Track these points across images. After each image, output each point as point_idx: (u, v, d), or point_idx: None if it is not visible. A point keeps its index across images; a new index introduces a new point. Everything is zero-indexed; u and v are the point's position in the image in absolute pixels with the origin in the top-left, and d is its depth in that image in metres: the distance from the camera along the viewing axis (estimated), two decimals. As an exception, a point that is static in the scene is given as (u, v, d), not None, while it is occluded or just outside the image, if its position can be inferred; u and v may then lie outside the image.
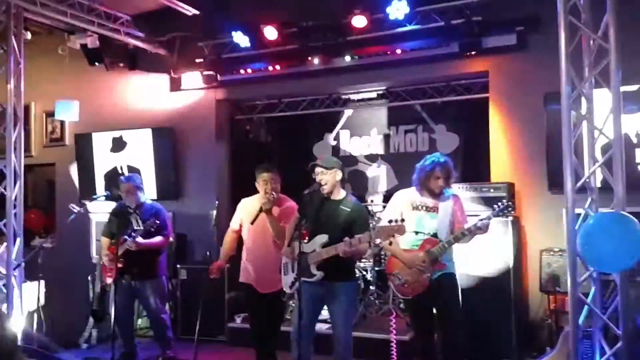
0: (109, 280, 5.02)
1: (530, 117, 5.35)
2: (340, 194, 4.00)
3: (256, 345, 4.61)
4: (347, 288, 3.93)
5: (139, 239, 4.80)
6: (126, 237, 4.76)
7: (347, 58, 5.82)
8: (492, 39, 5.40)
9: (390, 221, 3.62)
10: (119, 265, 4.71)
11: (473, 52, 5.41)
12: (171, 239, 6.31)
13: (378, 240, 3.82)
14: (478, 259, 4.89)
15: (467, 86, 6.04)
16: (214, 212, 5.25)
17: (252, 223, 4.36)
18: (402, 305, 5.72)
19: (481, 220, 3.79)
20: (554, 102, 4.52)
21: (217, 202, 5.04)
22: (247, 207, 4.52)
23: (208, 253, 6.20)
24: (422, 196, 4.06)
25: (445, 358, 4.03)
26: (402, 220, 3.64)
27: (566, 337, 3.46)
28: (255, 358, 4.61)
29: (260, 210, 4.24)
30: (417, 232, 4.00)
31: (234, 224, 4.63)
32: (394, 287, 4.12)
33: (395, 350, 4.36)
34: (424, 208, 4.03)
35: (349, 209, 3.89)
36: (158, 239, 5.03)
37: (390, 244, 3.88)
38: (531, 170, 5.35)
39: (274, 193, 4.29)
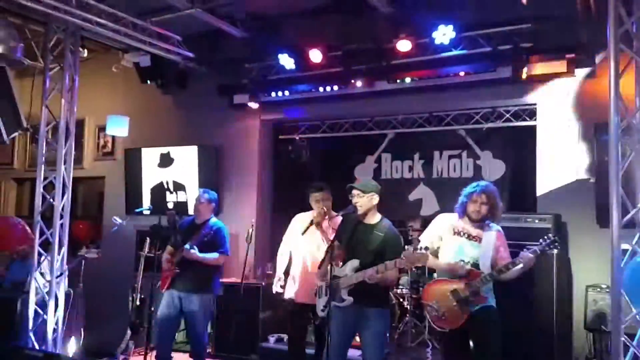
0: (162, 288, 5.06)
1: (580, 148, 5.15)
2: (375, 218, 3.95)
3: None
4: (379, 315, 3.84)
5: (194, 251, 4.85)
6: (186, 246, 4.81)
7: (391, 82, 5.79)
8: (540, 66, 5.26)
9: (415, 249, 3.54)
10: (176, 272, 4.76)
11: (520, 79, 5.28)
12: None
13: (403, 267, 3.73)
14: (521, 294, 4.70)
15: (514, 113, 5.89)
16: (250, 230, 5.27)
17: (302, 234, 4.61)
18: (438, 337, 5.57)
19: (526, 254, 3.64)
20: (605, 132, 4.36)
21: (253, 220, 5.04)
22: (299, 221, 4.77)
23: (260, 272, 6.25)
24: (465, 223, 3.95)
25: None
26: (427, 248, 3.55)
27: (609, 381, 3.26)
28: None
29: (312, 223, 4.53)
30: (460, 261, 3.86)
31: (285, 239, 4.92)
32: (429, 318, 3.99)
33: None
34: (466, 235, 3.91)
35: (382, 234, 3.83)
36: (214, 255, 5.04)
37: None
38: (580, 203, 5.13)
39: (324, 208, 4.54)
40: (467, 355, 3.85)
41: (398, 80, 5.85)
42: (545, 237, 3.72)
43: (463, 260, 3.83)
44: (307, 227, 4.56)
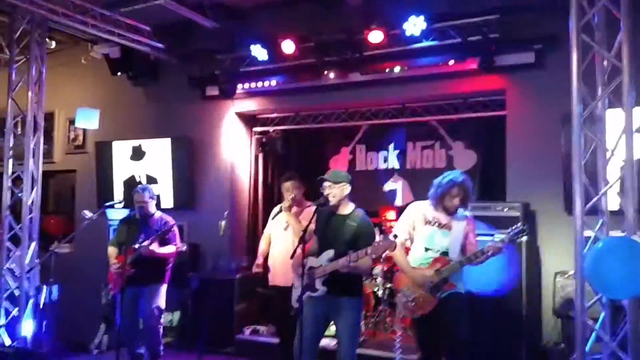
0: (113, 290, 5.08)
1: (548, 137, 5.24)
2: (348, 208, 3.98)
3: (282, 353, 4.78)
4: (352, 304, 3.87)
5: (154, 246, 4.86)
6: (136, 246, 4.80)
7: (362, 73, 5.81)
8: (509, 57, 5.32)
9: (386, 237, 3.58)
10: (131, 272, 4.74)
11: (490, 69, 5.35)
12: (184, 248, 6.37)
13: (374, 256, 3.77)
14: (489, 280, 4.78)
15: (484, 103, 5.96)
16: (223, 222, 5.26)
17: (272, 218, 4.87)
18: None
19: (494, 243, 3.70)
20: (571, 122, 4.45)
21: (226, 212, 5.06)
22: (275, 211, 4.91)
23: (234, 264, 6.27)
24: (436, 212, 4.01)
25: None
26: (395, 236, 3.61)
27: (573, 364, 3.35)
28: None
29: (280, 209, 4.73)
30: (427, 249, 3.95)
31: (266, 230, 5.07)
32: (400, 305, 4.04)
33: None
34: (437, 224, 3.98)
35: (355, 224, 3.86)
36: (170, 248, 5.08)
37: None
38: (548, 191, 5.21)
39: (293, 196, 4.68)
40: (438, 340, 3.93)
41: (371, 72, 5.86)
42: (514, 225, 3.79)
43: (432, 250, 3.91)
44: (277, 213, 4.80)
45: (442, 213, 3.99)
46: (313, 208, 4.16)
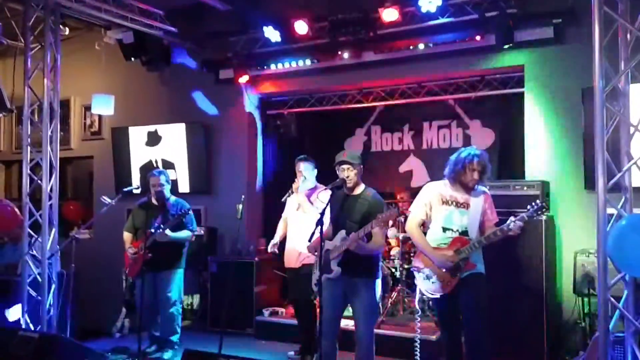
0: (130, 274, 5.15)
1: (568, 113, 5.15)
2: (359, 188, 4.01)
3: (300, 335, 4.93)
4: (369, 285, 3.89)
5: (168, 231, 4.90)
6: (152, 230, 4.83)
7: (377, 53, 5.74)
8: (527, 32, 5.22)
9: (388, 208, 3.60)
10: (147, 256, 4.78)
11: (508, 46, 5.25)
12: (202, 231, 6.42)
13: (401, 236, 3.81)
14: (509, 259, 4.75)
15: (502, 80, 5.86)
16: (240, 206, 5.28)
17: (283, 199, 4.94)
18: (430, 304, 5.64)
19: (514, 221, 3.65)
20: (592, 97, 4.35)
21: (243, 196, 5.08)
22: (287, 195, 4.97)
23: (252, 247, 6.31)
24: (454, 190, 3.95)
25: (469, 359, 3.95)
26: (394, 205, 3.65)
27: (596, 341, 3.31)
28: (300, 351, 4.93)
29: (291, 191, 4.79)
30: (445, 229, 3.91)
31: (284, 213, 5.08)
32: (420, 285, 4.03)
33: (418, 349, 4.27)
34: (454, 203, 3.92)
35: (367, 202, 3.90)
36: (185, 233, 5.12)
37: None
38: (568, 168, 5.16)
39: (304, 177, 4.75)
40: (458, 319, 3.93)
41: (385, 51, 5.77)
42: (533, 203, 3.73)
43: (451, 229, 3.87)
44: (289, 195, 4.88)
45: (460, 191, 3.94)
46: (327, 191, 4.18)
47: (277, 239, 5.04)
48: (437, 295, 3.90)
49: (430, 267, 3.91)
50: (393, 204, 3.63)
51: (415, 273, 4.06)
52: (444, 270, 3.82)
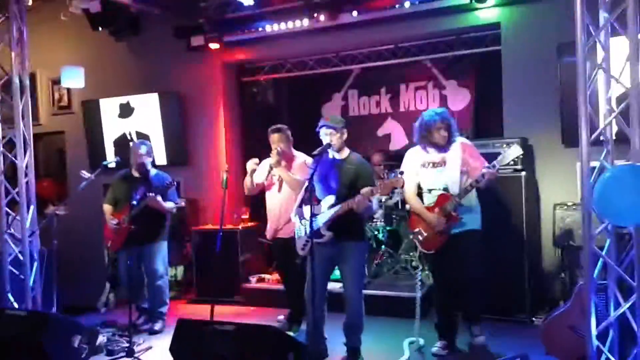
0: (112, 248, 5.12)
1: (544, 70, 5.20)
2: (344, 152, 4.02)
3: (288, 300, 4.92)
4: (357, 248, 3.96)
5: (159, 197, 4.86)
6: (134, 202, 4.77)
7: (354, 13, 5.66)
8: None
9: (392, 173, 3.64)
10: (130, 228, 4.74)
11: (483, 2, 5.24)
12: (183, 203, 6.36)
13: (383, 198, 3.88)
14: (490, 215, 4.85)
15: (478, 39, 5.87)
16: (224, 175, 5.23)
17: (265, 179, 4.73)
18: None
19: (488, 167, 3.76)
20: (568, 53, 4.42)
21: (226, 165, 5.00)
22: (262, 167, 4.77)
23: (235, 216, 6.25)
24: (428, 153, 4.08)
25: (463, 314, 4.17)
26: (402, 173, 3.67)
27: (580, 291, 3.43)
28: (289, 316, 4.91)
29: (270, 168, 4.61)
30: (430, 190, 4.05)
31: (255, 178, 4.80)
32: (417, 244, 4.20)
33: (419, 305, 4.41)
34: (431, 165, 4.06)
35: (354, 167, 3.92)
36: (170, 204, 5.09)
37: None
38: (545, 124, 5.23)
39: (278, 149, 4.52)
40: (450, 275, 4.08)
41: (360, 12, 5.70)
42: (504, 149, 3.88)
43: (435, 189, 4.01)
44: (268, 173, 4.71)
45: (434, 152, 4.05)
46: (306, 159, 4.18)
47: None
48: (432, 251, 4.07)
49: (422, 226, 4.06)
50: (400, 172, 3.66)
51: (412, 233, 4.19)
52: (435, 228, 3.95)
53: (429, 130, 4.00)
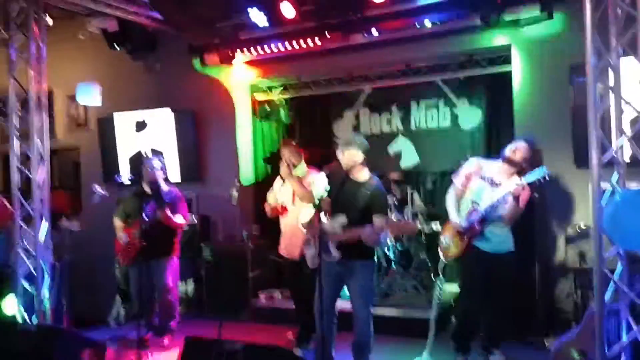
0: (123, 262, 5.14)
1: (556, 91, 5.20)
2: (363, 175, 3.98)
3: (298, 318, 4.89)
4: (365, 267, 3.95)
5: (168, 211, 4.89)
6: (145, 216, 4.80)
7: (366, 35, 5.72)
8: (515, 10, 5.22)
9: (410, 221, 3.69)
10: (141, 244, 4.78)
11: (495, 24, 5.27)
12: (195, 219, 6.41)
13: (392, 233, 3.94)
14: (502, 235, 4.82)
15: (489, 59, 5.88)
16: (235, 192, 5.27)
17: (279, 191, 4.79)
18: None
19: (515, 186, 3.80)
20: (580, 74, 4.41)
21: (237, 182, 4.99)
22: (277, 181, 4.89)
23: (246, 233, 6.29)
24: (498, 169, 4.13)
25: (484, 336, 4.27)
26: (414, 219, 3.73)
27: (592, 314, 3.40)
28: (298, 333, 4.87)
29: (283, 180, 4.67)
30: (472, 202, 4.12)
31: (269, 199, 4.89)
32: (440, 252, 4.30)
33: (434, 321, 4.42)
34: (490, 181, 4.10)
35: (369, 192, 3.88)
36: (181, 219, 5.11)
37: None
38: (556, 145, 5.21)
39: (287, 162, 4.56)
40: (484, 292, 4.15)
41: (373, 32, 5.75)
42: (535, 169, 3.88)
43: (477, 203, 4.08)
44: (281, 185, 4.79)
45: (501, 171, 4.09)
46: (318, 174, 4.22)
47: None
48: (449, 260, 4.22)
49: (447, 233, 4.18)
50: (388, 190, 3.69)
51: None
52: (456, 231, 4.07)
53: (507, 148, 4.14)
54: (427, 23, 5.53)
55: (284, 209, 4.79)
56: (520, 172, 4.02)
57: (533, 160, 4.11)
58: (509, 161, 4.06)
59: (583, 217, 4.82)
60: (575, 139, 4.93)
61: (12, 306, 5.06)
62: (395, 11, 5.55)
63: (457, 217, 4.14)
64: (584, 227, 4.77)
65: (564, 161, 5.10)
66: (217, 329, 4.19)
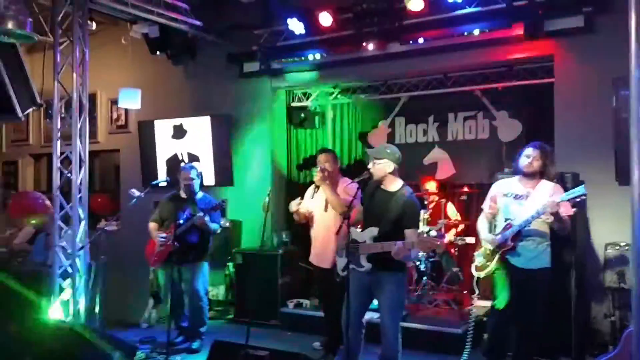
0: (154, 265, 5.21)
1: (598, 104, 5.04)
2: (394, 185, 3.92)
3: (326, 327, 4.84)
4: (395, 279, 3.87)
5: (207, 217, 4.95)
6: (180, 221, 4.87)
7: (402, 43, 5.68)
8: (557, 21, 5.12)
9: (436, 236, 3.67)
10: (174, 247, 4.83)
11: (536, 35, 5.15)
12: (227, 224, 6.46)
13: (419, 250, 3.87)
14: (535, 251, 4.69)
15: (530, 70, 5.75)
16: (267, 199, 5.29)
17: (312, 198, 4.78)
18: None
19: (551, 202, 3.68)
20: (624, 87, 4.26)
21: (269, 189, 5.00)
22: (311, 188, 4.88)
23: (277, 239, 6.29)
24: (519, 182, 4.06)
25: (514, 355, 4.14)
26: (443, 236, 3.71)
27: (629, 337, 3.25)
28: (325, 343, 4.86)
29: (317, 187, 4.68)
30: (506, 219, 4.04)
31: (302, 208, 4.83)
32: (473, 269, 4.25)
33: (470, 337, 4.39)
34: (513, 195, 4.03)
35: (401, 203, 3.81)
36: (215, 225, 5.16)
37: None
38: (598, 160, 5.04)
39: (324, 167, 4.59)
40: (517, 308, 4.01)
41: (411, 41, 5.71)
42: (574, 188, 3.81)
43: (509, 219, 3.98)
44: (314, 192, 4.79)
45: (521, 183, 4.03)
46: (352, 184, 4.18)
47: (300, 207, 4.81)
48: (480, 276, 4.13)
49: (480, 248, 4.16)
50: (423, 204, 3.66)
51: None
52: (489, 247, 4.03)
53: (520, 155, 4.04)
54: (466, 33, 5.45)
55: (312, 217, 4.77)
56: (543, 173, 3.97)
57: (554, 160, 4.07)
58: (531, 175, 3.98)
59: (624, 235, 4.63)
60: (617, 154, 4.76)
61: (56, 311, 5.16)
62: (434, 20, 5.49)
63: (487, 235, 4.10)
64: (624, 246, 4.58)
65: (606, 177, 4.93)
66: (245, 334, 4.22)
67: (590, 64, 5.10)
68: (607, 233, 4.88)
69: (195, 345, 5.17)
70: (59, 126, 5.24)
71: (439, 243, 3.55)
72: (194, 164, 5.75)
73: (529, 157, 3.97)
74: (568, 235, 4.11)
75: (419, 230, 3.81)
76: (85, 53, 5.30)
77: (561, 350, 4.64)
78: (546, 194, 3.89)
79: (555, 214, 3.70)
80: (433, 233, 4.71)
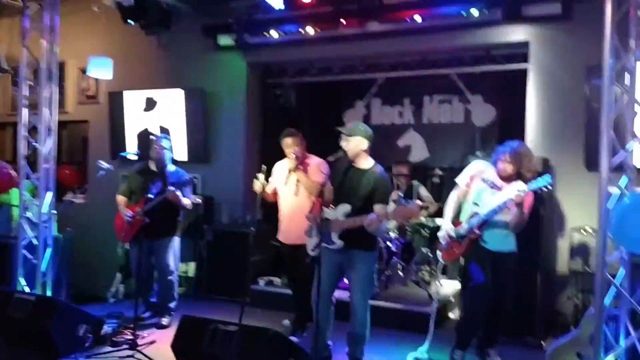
0: (125, 240, 5.13)
1: (571, 91, 5.12)
2: (366, 163, 3.93)
3: (294, 304, 4.85)
4: (366, 257, 3.91)
5: (179, 192, 4.87)
6: (150, 195, 4.78)
7: (381, 23, 5.64)
8: (535, 7, 5.15)
9: (407, 202, 3.62)
10: (144, 221, 4.75)
11: (514, 20, 5.18)
12: (200, 201, 6.39)
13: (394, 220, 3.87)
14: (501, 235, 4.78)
15: (506, 56, 5.79)
16: (262, 178, 5.17)
17: (285, 184, 4.66)
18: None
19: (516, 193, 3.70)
20: (597, 75, 4.32)
21: (264, 167, 4.81)
22: (279, 171, 4.74)
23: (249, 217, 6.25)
24: (494, 174, 4.07)
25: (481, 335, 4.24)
26: (422, 202, 3.68)
27: (590, 318, 3.35)
28: (294, 320, 4.87)
29: (289, 171, 4.58)
30: (474, 203, 4.06)
31: (268, 189, 4.75)
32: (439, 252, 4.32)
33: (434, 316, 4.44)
34: (491, 184, 4.04)
35: (372, 180, 3.83)
36: (187, 200, 5.08)
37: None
38: (568, 146, 5.15)
39: (293, 153, 4.52)
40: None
41: (390, 21, 5.68)
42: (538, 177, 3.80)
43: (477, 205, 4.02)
44: (287, 177, 4.65)
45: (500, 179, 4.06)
46: (322, 163, 4.19)
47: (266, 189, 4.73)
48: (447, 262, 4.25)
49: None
50: (393, 184, 3.65)
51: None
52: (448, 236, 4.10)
53: (498, 157, 4.01)
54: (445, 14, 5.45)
55: (276, 194, 4.75)
56: (520, 175, 3.96)
57: (530, 165, 3.98)
58: (506, 179, 3.98)
59: (590, 220, 4.74)
60: (587, 141, 4.85)
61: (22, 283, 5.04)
62: (413, 1, 5.46)
63: (450, 222, 4.13)
64: (590, 231, 4.71)
65: (575, 163, 5.04)
66: (214, 310, 4.21)
67: (565, 52, 5.16)
68: (574, 217, 5.01)
69: (165, 321, 5.13)
70: (26, 94, 5.07)
71: (414, 208, 3.55)
72: (167, 135, 5.63)
73: (503, 165, 3.96)
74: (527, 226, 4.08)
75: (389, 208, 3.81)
76: (55, 19, 5.12)
77: (526, 331, 4.76)
78: (511, 193, 3.89)
79: (519, 205, 3.75)
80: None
